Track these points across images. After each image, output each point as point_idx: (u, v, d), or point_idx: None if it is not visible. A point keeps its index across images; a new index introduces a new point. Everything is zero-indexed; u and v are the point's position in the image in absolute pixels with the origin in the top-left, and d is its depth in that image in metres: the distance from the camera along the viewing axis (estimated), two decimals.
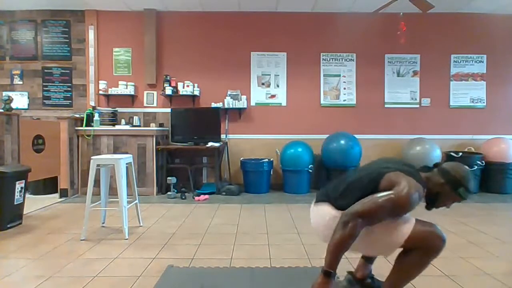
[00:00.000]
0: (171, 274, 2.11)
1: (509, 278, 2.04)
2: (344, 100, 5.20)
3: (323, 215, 1.61)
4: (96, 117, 4.59)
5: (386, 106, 5.20)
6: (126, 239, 2.76)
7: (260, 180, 4.73)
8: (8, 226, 3.04)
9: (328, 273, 1.41)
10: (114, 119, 4.89)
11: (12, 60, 5.15)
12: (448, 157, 4.87)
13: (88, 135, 4.52)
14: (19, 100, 5.08)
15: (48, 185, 4.50)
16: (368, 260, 1.87)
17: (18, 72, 5.14)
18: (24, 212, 3.32)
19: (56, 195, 4.38)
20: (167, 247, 2.60)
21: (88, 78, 5.12)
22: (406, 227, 1.49)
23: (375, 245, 1.55)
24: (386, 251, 1.56)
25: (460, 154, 4.74)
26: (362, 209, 1.42)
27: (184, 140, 4.83)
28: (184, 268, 2.20)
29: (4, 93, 4.95)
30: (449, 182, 1.56)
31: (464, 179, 1.54)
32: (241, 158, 4.97)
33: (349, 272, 1.89)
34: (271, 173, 4.84)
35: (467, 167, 1.61)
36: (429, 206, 1.67)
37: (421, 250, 1.47)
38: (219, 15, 5.12)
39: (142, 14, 5.05)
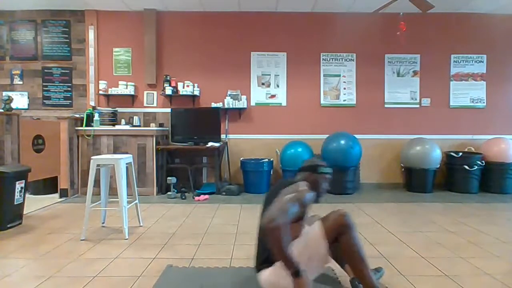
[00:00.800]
0: (170, 274, 2.11)
1: (509, 278, 2.04)
2: (344, 100, 5.20)
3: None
4: (96, 117, 4.59)
5: (386, 106, 5.20)
6: (126, 239, 2.77)
7: (260, 180, 4.73)
8: (8, 226, 3.04)
9: (296, 272, 1.48)
10: (114, 119, 4.89)
11: (12, 60, 5.15)
12: (448, 157, 4.88)
13: (88, 135, 4.52)
14: (19, 100, 5.08)
15: (48, 185, 4.50)
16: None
17: (18, 72, 5.14)
18: (24, 212, 3.31)
19: (56, 195, 4.38)
20: (167, 247, 2.60)
21: (88, 78, 5.12)
22: (317, 228, 1.73)
23: (313, 259, 1.69)
24: (323, 257, 1.72)
25: (460, 154, 4.74)
26: (272, 216, 1.51)
27: (184, 140, 4.83)
28: (183, 268, 2.20)
29: (4, 93, 4.96)
30: (311, 170, 1.91)
31: (314, 162, 1.94)
32: (241, 158, 4.97)
33: (353, 279, 1.85)
34: (271, 173, 4.84)
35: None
36: (317, 198, 1.89)
37: (340, 233, 1.69)
38: (219, 15, 5.12)
39: (142, 14, 5.05)
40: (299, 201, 1.63)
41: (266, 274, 1.70)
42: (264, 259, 1.71)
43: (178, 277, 2.08)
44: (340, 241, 1.69)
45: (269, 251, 1.59)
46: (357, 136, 4.79)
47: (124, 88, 5.00)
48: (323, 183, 1.91)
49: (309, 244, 1.69)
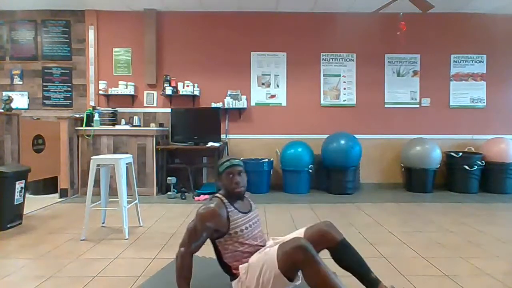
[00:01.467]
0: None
1: (509, 278, 2.04)
2: (344, 100, 5.20)
3: None
4: (96, 117, 4.59)
5: (386, 106, 5.20)
6: (126, 239, 2.77)
7: (260, 180, 4.73)
8: (8, 226, 3.04)
9: None
10: (114, 119, 4.89)
11: (12, 60, 5.15)
12: (448, 157, 4.88)
13: (88, 135, 4.52)
14: (19, 100, 5.08)
15: (48, 185, 4.50)
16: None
17: (18, 72, 5.14)
18: (24, 212, 3.32)
19: (56, 195, 4.38)
20: (167, 247, 2.60)
21: (88, 78, 5.12)
22: (273, 253, 1.55)
23: (265, 282, 1.56)
24: (277, 282, 1.54)
25: (460, 154, 4.74)
26: (181, 243, 1.64)
27: (184, 140, 4.83)
28: (195, 256, 2.20)
29: (4, 93, 4.96)
30: (217, 173, 1.80)
31: (218, 163, 1.81)
32: (241, 158, 4.97)
33: None
34: (271, 173, 4.84)
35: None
36: (232, 197, 1.76)
37: (299, 268, 1.49)
38: (219, 15, 5.12)
39: (142, 14, 5.05)
40: (196, 228, 1.60)
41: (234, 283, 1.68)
42: (226, 271, 1.72)
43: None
44: (304, 276, 1.48)
45: (224, 265, 1.70)
46: (357, 136, 4.79)
47: (124, 88, 5.00)
48: (228, 180, 1.73)
49: (263, 268, 1.55)
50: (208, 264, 2.12)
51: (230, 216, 1.66)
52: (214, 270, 1.96)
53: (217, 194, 1.76)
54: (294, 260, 1.46)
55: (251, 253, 1.67)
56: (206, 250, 2.52)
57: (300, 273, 1.55)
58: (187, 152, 5.03)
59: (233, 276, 1.67)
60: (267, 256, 1.57)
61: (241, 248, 1.66)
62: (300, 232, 1.75)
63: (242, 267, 1.63)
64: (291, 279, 1.53)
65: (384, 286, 1.58)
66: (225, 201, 1.72)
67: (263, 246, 1.73)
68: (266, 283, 1.53)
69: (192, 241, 1.61)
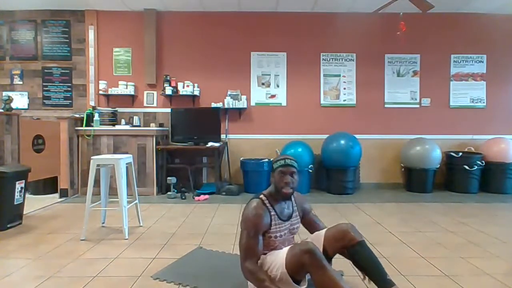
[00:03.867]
0: (198, 254, 2.40)
1: (509, 278, 2.04)
2: (344, 100, 5.20)
3: None
4: (96, 117, 4.59)
5: (386, 106, 5.20)
6: (126, 239, 2.76)
7: (260, 180, 4.72)
8: (8, 226, 3.03)
9: None
10: (114, 119, 4.89)
11: (12, 60, 5.15)
12: (448, 157, 4.88)
13: (88, 135, 4.52)
14: (19, 100, 5.08)
15: (48, 185, 4.50)
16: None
17: (18, 72, 5.14)
18: (24, 212, 3.31)
19: (56, 195, 4.38)
20: (167, 247, 2.60)
21: (88, 78, 5.12)
22: (280, 259, 1.64)
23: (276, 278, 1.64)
24: (284, 282, 1.63)
25: (460, 154, 4.74)
26: (242, 257, 1.70)
27: (184, 140, 4.83)
28: (209, 250, 2.48)
29: (4, 93, 4.95)
30: (271, 171, 1.82)
31: (274, 160, 1.83)
32: (241, 158, 4.97)
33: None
34: None
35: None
36: (281, 195, 1.79)
37: (307, 271, 1.55)
38: (219, 15, 5.12)
39: (142, 14, 5.05)
40: (248, 236, 1.66)
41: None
42: None
43: (206, 254, 2.37)
44: (312, 279, 1.54)
45: None
46: (357, 136, 4.78)
47: (124, 88, 5.00)
48: (279, 178, 1.76)
49: (272, 264, 1.66)
50: (222, 259, 2.30)
51: (272, 220, 1.73)
52: (229, 264, 2.13)
53: (260, 195, 1.79)
54: (301, 262, 1.52)
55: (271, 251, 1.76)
56: (220, 244, 2.54)
57: (307, 277, 1.61)
58: (187, 152, 5.03)
59: None
60: (279, 254, 1.67)
61: (267, 250, 1.75)
62: (321, 233, 1.80)
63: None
64: (297, 281, 1.59)
65: None
66: (267, 202, 1.76)
67: None
68: (273, 278, 1.63)
69: (250, 253, 1.66)
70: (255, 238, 1.67)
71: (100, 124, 4.62)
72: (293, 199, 1.90)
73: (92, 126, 4.53)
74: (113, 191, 3.14)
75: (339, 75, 5.20)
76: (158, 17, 5.08)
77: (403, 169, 5.03)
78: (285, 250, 1.68)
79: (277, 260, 1.65)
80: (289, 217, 1.83)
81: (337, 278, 1.49)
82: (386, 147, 5.17)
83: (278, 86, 5.19)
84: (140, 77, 5.12)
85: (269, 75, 5.19)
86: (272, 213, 1.74)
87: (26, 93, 5.15)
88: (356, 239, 1.67)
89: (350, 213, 3.64)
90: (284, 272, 1.59)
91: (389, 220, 3.38)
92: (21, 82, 5.15)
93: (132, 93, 5.03)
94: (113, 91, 4.97)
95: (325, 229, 1.82)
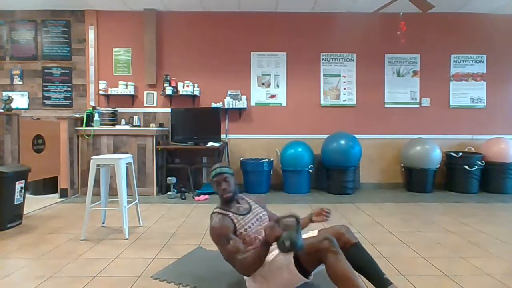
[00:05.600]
0: (198, 254, 2.42)
1: (509, 278, 2.04)
2: (344, 100, 5.20)
3: None
4: (96, 117, 4.59)
5: (386, 106, 5.20)
6: (126, 239, 2.76)
7: (260, 180, 4.73)
8: (8, 226, 3.04)
9: (266, 243, 1.58)
10: (114, 119, 4.89)
11: (12, 60, 5.15)
12: (448, 157, 4.88)
13: (88, 135, 4.52)
14: (19, 100, 5.08)
15: (48, 185, 4.50)
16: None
17: (18, 72, 5.14)
18: (24, 212, 3.32)
19: (56, 195, 4.38)
20: (167, 247, 2.60)
21: (88, 78, 5.12)
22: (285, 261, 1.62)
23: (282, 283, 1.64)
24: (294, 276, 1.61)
25: (460, 154, 4.74)
26: (233, 265, 1.77)
27: (184, 140, 4.83)
28: (209, 250, 2.49)
29: (4, 93, 4.95)
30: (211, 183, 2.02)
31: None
32: (241, 158, 4.97)
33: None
34: (271, 173, 4.84)
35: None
36: (225, 202, 1.95)
37: (323, 253, 1.53)
38: (219, 15, 5.12)
39: (142, 14, 5.05)
40: (224, 245, 1.73)
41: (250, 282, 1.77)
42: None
43: (205, 255, 2.39)
44: (327, 266, 1.53)
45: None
46: (357, 136, 4.78)
47: (124, 88, 5.00)
48: (217, 187, 1.94)
49: (276, 257, 1.66)
50: (222, 259, 2.22)
51: (233, 220, 1.82)
52: (229, 264, 2.07)
53: (214, 210, 1.93)
54: (319, 248, 1.52)
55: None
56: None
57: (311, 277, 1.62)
58: (187, 152, 5.03)
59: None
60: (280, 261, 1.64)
61: (250, 241, 1.81)
62: (313, 232, 1.82)
63: None
64: (306, 272, 1.58)
65: (396, 287, 1.61)
66: (221, 211, 1.86)
67: None
68: (276, 270, 1.62)
69: (235, 253, 1.70)
70: (230, 241, 1.73)
71: (100, 124, 4.62)
72: (242, 196, 2.04)
73: (92, 126, 4.53)
74: (113, 191, 3.14)
75: (339, 75, 5.20)
76: (158, 17, 5.08)
77: (403, 169, 5.03)
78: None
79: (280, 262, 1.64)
80: (249, 210, 1.92)
81: (351, 267, 1.51)
82: (386, 147, 5.17)
83: (278, 86, 5.19)
84: (140, 77, 5.12)
85: (269, 75, 5.19)
86: (230, 215, 1.84)
87: (26, 93, 5.15)
88: (352, 241, 1.70)
89: (350, 213, 3.64)
90: (290, 262, 1.58)
91: (389, 220, 3.38)
92: (21, 82, 5.15)
93: (132, 93, 5.03)
94: (113, 91, 4.97)
95: (316, 230, 1.84)
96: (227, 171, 1.95)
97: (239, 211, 1.90)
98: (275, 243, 1.50)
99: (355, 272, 1.51)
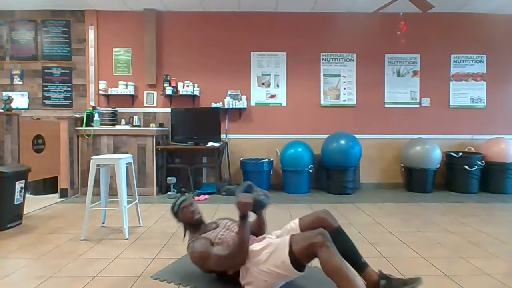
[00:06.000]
0: None
1: (509, 278, 2.04)
2: (344, 100, 5.20)
3: None
4: (96, 117, 4.59)
5: (386, 106, 5.20)
6: (126, 239, 2.76)
7: (260, 180, 4.70)
8: (8, 226, 3.04)
9: (243, 216, 1.72)
10: (114, 119, 4.89)
11: (12, 60, 5.15)
12: (448, 157, 4.88)
13: (88, 135, 4.52)
14: (19, 100, 5.08)
15: (48, 185, 4.50)
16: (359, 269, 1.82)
17: (18, 72, 5.14)
18: (24, 212, 3.31)
19: (56, 195, 4.38)
20: (167, 247, 2.60)
21: (88, 78, 5.12)
22: (279, 247, 1.67)
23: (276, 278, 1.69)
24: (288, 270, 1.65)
25: (460, 154, 4.74)
26: (227, 267, 1.85)
27: (184, 140, 4.83)
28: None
29: (4, 93, 4.95)
30: (175, 216, 2.11)
31: (171, 208, 2.10)
32: (241, 158, 4.97)
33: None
34: (271, 173, 4.84)
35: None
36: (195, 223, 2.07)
37: (317, 248, 1.57)
38: (219, 15, 5.12)
39: (142, 14, 5.05)
40: (209, 258, 1.80)
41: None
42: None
43: None
44: (321, 259, 1.56)
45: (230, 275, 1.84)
46: (357, 136, 4.78)
47: (124, 88, 5.00)
48: (186, 214, 2.03)
49: (270, 252, 1.70)
50: None
51: (206, 237, 1.91)
52: None
53: (188, 242, 1.98)
54: (313, 242, 1.57)
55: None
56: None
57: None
58: (187, 152, 5.03)
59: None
60: (274, 242, 1.72)
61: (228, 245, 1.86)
62: (295, 222, 1.90)
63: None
64: (300, 266, 1.61)
65: (372, 269, 1.76)
66: (194, 239, 1.97)
67: None
68: (272, 267, 1.65)
69: (214, 253, 1.80)
70: (213, 249, 1.81)
71: (100, 124, 4.62)
72: (207, 222, 2.13)
73: (92, 126, 4.53)
74: (113, 191, 3.14)
75: (339, 75, 5.20)
76: (158, 17, 5.08)
77: (403, 169, 5.03)
78: (279, 240, 1.73)
79: (275, 249, 1.68)
80: (217, 225, 2.04)
81: (344, 261, 1.57)
82: (386, 147, 5.17)
83: (278, 86, 5.19)
84: (140, 77, 5.12)
85: (269, 75, 5.19)
86: (200, 237, 1.92)
87: (26, 93, 5.15)
88: (333, 225, 1.81)
89: (350, 213, 3.64)
90: (285, 256, 1.61)
91: (389, 220, 3.38)
92: (21, 82, 5.15)
93: (132, 93, 5.03)
94: (113, 91, 4.97)
95: (297, 218, 1.92)
96: (188, 198, 2.10)
97: (208, 228, 2.00)
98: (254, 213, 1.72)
99: (347, 263, 1.59)
